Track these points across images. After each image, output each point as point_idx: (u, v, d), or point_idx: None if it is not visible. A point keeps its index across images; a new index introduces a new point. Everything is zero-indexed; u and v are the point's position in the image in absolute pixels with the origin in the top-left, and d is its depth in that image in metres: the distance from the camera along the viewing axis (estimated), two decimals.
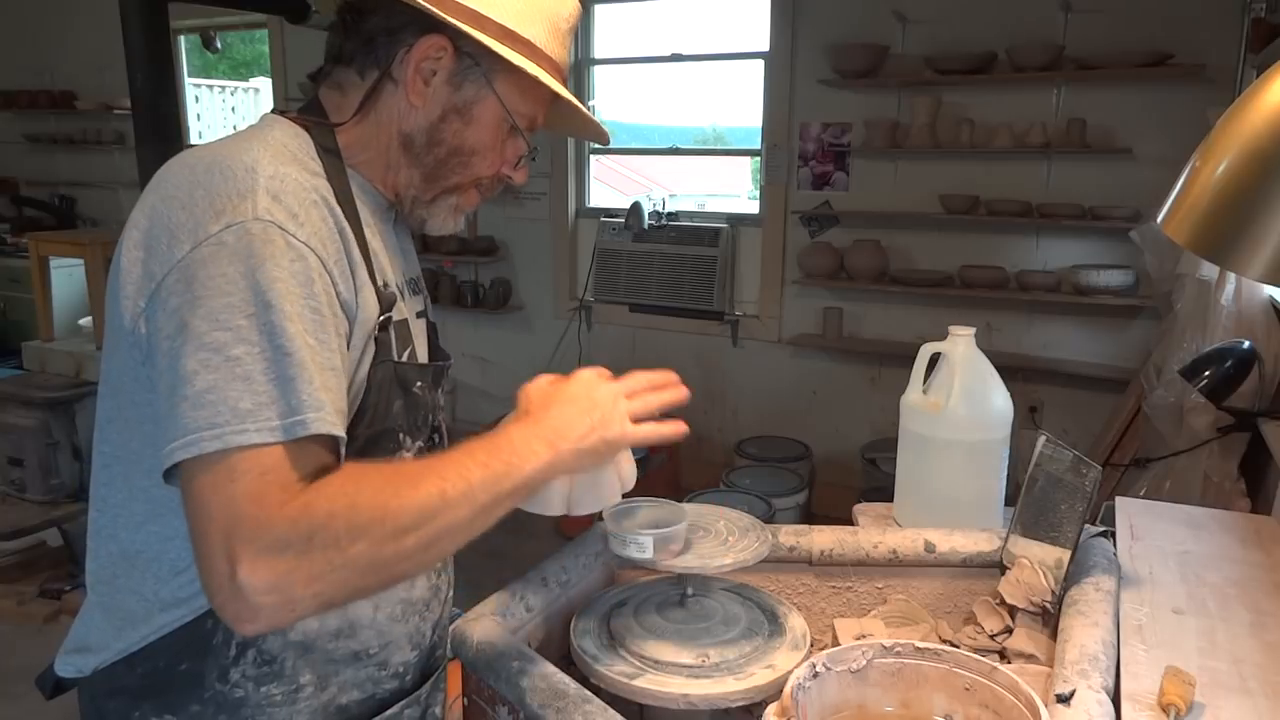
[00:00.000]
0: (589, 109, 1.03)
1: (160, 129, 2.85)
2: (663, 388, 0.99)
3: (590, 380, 0.95)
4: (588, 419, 0.90)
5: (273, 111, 0.96)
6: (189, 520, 0.76)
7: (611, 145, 4.95)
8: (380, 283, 0.93)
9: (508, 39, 0.92)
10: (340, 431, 0.80)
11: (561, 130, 1.09)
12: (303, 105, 0.98)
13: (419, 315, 1.04)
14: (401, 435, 0.95)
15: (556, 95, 0.96)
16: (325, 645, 0.93)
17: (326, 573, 0.75)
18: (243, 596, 0.72)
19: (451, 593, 1.10)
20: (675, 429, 0.96)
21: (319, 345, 0.80)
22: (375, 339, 0.91)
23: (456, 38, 0.91)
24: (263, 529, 0.73)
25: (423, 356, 1.03)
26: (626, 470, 1.04)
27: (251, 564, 0.72)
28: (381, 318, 0.91)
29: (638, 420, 0.94)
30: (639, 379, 0.98)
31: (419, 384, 0.97)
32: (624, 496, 1.13)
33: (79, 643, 0.94)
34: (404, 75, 0.92)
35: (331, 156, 0.93)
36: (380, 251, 0.95)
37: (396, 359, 0.94)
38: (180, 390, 0.75)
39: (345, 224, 0.88)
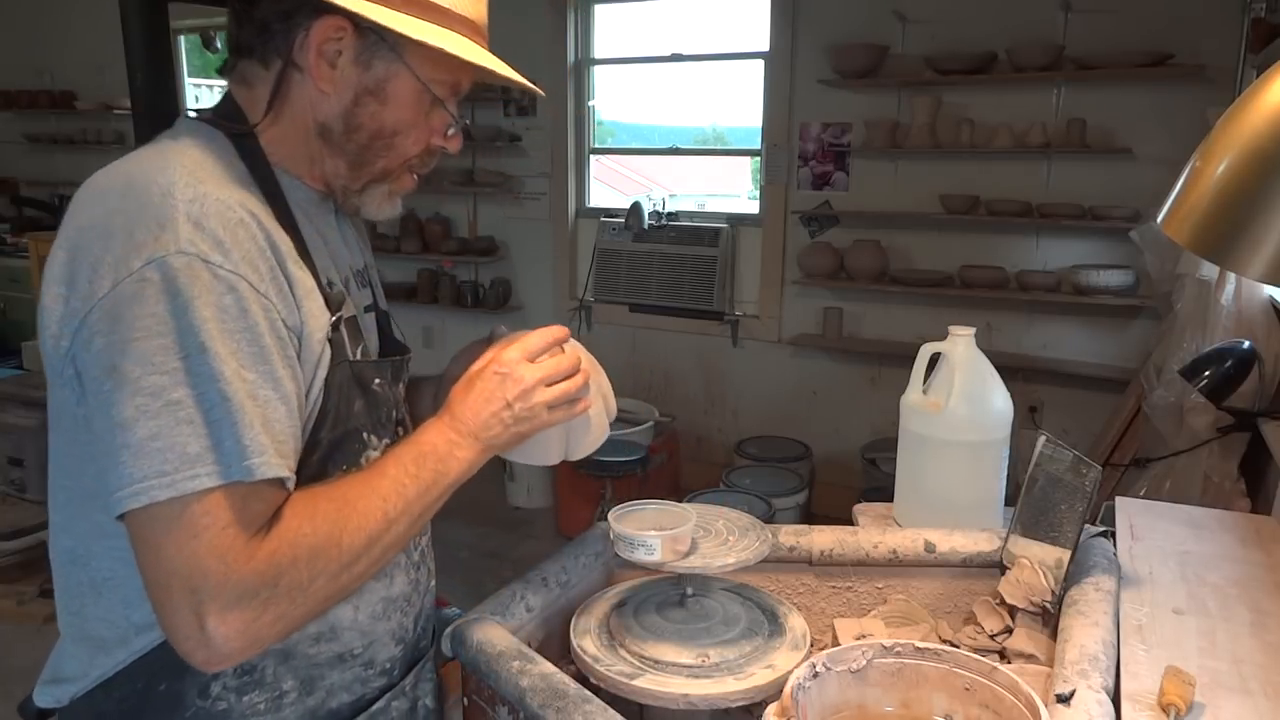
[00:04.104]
0: (524, 78, 0.94)
1: (160, 129, 2.83)
2: (571, 370, 0.98)
3: (510, 374, 0.94)
4: (509, 412, 0.93)
5: (188, 115, 0.92)
6: (143, 569, 0.76)
7: (611, 145, 4.98)
8: (325, 282, 0.90)
9: (412, 6, 0.86)
10: (285, 472, 0.79)
11: (499, 80, 0.96)
12: (217, 104, 0.93)
13: (367, 309, 1.02)
14: (366, 435, 0.94)
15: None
16: (306, 650, 0.92)
17: (290, 610, 0.78)
18: (211, 645, 0.75)
19: (433, 583, 1.10)
20: (584, 403, 0.99)
21: (259, 379, 0.78)
22: (329, 340, 0.88)
23: (354, 14, 0.85)
24: (230, 583, 0.74)
25: (374, 351, 1.01)
26: (613, 404, 1.07)
27: (220, 616, 0.74)
28: (333, 319, 0.89)
29: (554, 406, 0.96)
30: (556, 367, 0.96)
31: (378, 381, 0.96)
32: (626, 501, 1.15)
33: (54, 674, 0.92)
34: (307, 61, 0.87)
35: (255, 157, 0.89)
36: (321, 249, 0.93)
37: (352, 358, 0.92)
38: (119, 438, 0.73)
39: (277, 237, 0.84)
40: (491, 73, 0.92)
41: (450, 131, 0.96)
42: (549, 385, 0.95)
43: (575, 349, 1.00)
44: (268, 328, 0.79)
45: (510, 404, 0.93)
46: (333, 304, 0.90)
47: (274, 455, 0.77)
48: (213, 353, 0.75)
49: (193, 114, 0.92)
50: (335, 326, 0.89)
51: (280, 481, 0.79)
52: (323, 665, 0.94)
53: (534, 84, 0.96)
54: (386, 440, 0.98)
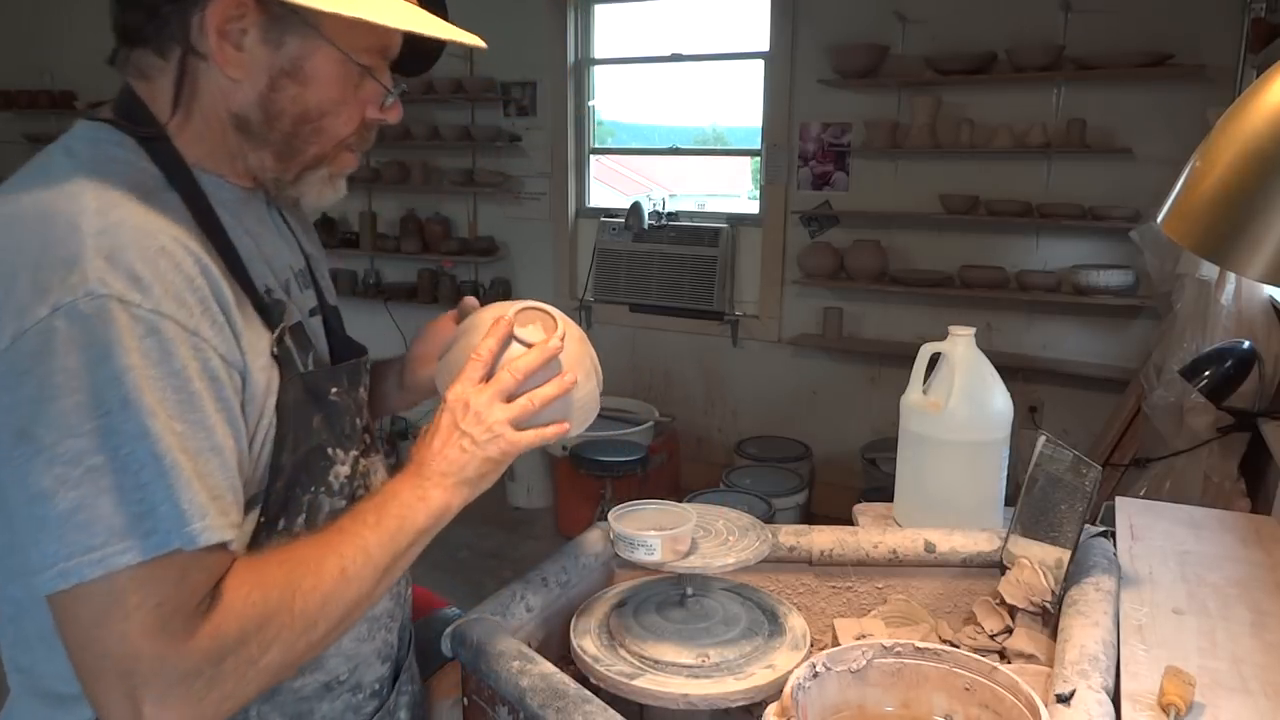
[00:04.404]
0: (453, 30, 0.82)
1: None
2: (542, 370, 0.88)
3: (458, 402, 0.86)
4: (466, 439, 0.85)
5: (86, 118, 0.80)
6: (71, 651, 0.68)
7: (611, 145, 4.97)
8: (263, 290, 0.82)
9: None
10: (228, 534, 0.71)
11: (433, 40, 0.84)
12: (116, 101, 0.81)
13: (312, 313, 0.92)
14: (331, 450, 0.87)
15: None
16: (291, 684, 0.87)
17: (239, 688, 0.71)
18: None
19: (409, 590, 1.06)
20: (557, 429, 0.90)
21: (190, 430, 0.69)
22: (275, 356, 0.80)
23: None
24: (168, 665, 0.67)
25: (325, 356, 0.92)
26: (600, 375, 1.00)
27: (159, 702, 0.67)
28: (276, 334, 0.81)
29: (521, 425, 0.87)
30: (510, 377, 0.87)
31: (335, 390, 0.88)
32: (626, 501, 1.15)
33: None
34: (208, 46, 0.76)
35: (169, 160, 0.78)
36: (255, 255, 0.84)
37: (303, 369, 0.84)
38: (39, 511, 0.65)
39: (207, 259, 0.74)
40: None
41: (387, 102, 0.85)
42: (508, 401, 0.86)
43: (539, 351, 0.89)
44: (198, 369, 0.71)
45: (465, 431, 0.85)
46: (273, 317, 0.81)
47: (215, 516, 0.69)
48: (137, 406, 0.66)
49: (92, 116, 0.80)
50: (280, 339, 0.81)
51: (223, 545, 0.71)
52: (310, 698, 0.88)
53: (474, 35, 0.84)
54: (354, 452, 0.91)
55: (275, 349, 0.80)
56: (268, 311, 0.81)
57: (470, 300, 1.02)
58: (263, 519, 0.81)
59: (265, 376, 0.79)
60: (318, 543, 0.78)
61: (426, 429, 0.88)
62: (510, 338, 0.90)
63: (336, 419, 0.88)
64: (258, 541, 0.80)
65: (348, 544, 0.78)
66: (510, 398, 0.87)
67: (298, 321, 0.87)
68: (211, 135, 0.81)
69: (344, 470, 0.89)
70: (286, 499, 0.83)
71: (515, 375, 0.87)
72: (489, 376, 0.88)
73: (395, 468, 0.87)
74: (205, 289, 0.73)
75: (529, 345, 0.90)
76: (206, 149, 0.81)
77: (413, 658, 1.07)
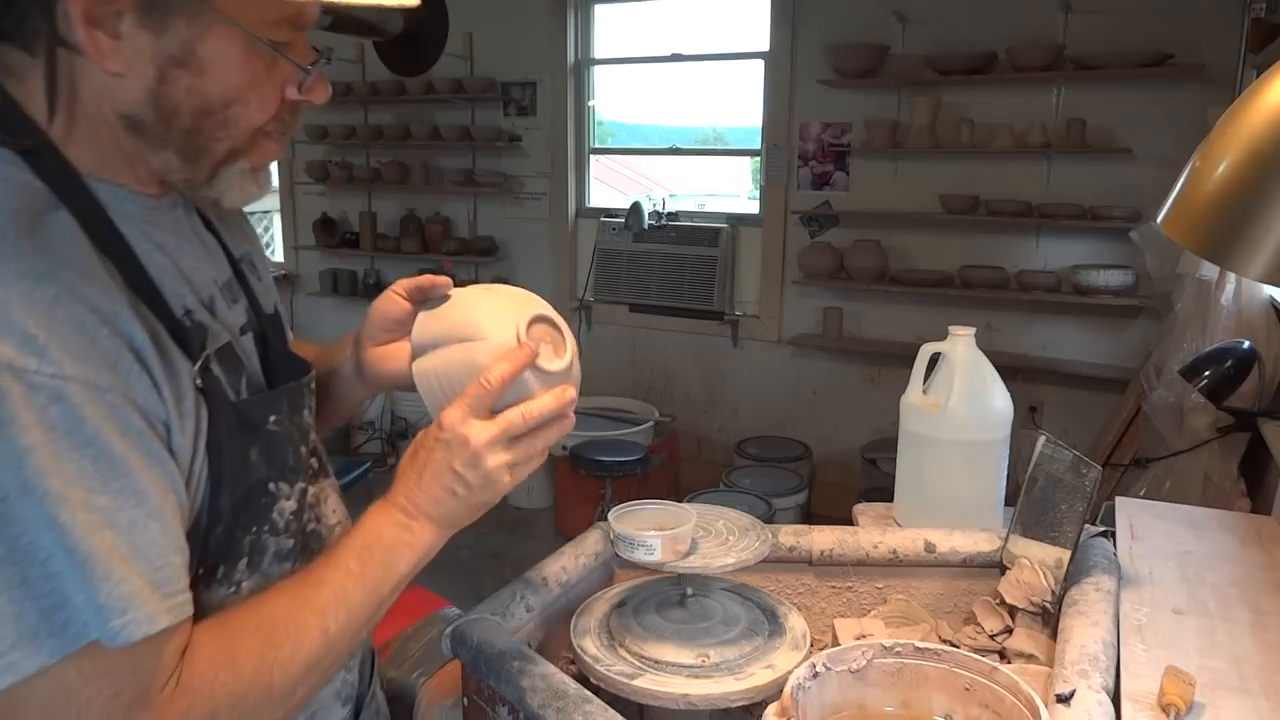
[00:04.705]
0: None
1: None
2: (552, 412, 0.79)
3: (455, 436, 0.76)
4: (459, 483, 0.76)
5: None
6: None
7: (611, 145, 4.97)
8: (182, 312, 0.72)
9: None
10: (164, 620, 0.63)
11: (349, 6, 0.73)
12: None
13: (243, 330, 0.82)
14: (272, 485, 0.78)
15: None
16: None
17: None
18: None
19: None
20: (538, 463, 0.82)
21: (117, 502, 0.61)
22: (200, 389, 0.70)
23: None
24: None
25: (259, 378, 0.82)
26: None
27: None
28: (197, 365, 0.70)
29: (517, 465, 0.78)
30: (523, 423, 0.77)
31: (273, 418, 0.78)
32: (625, 501, 1.14)
33: None
34: (78, 37, 0.64)
35: (57, 172, 0.67)
36: (169, 273, 0.73)
37: (235, 398, 0.75)
38: None
39: (113, 287, 0.64)
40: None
41: (306, 82, 0.73)
42: (509, 445, 0.77)
43: (556, 400, 0.80)
44: (117, 429, 0.62)
45: (459, 474, 0.76)
46: (193, 344, 0.71)
47: (148, 602, 0.61)
48: (42, 491, 0.58)
49: None
50: (204, 368, 0.71)
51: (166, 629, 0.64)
52: None
53: None
54: (300, 485, 0.83)
55: (199, 380, 0.70)
56: (188, 338, 0.71)
57: (442, 280, 0.90)
58: (200, 569, 0.73)
59: (193, 416, 0.69)
60: (294, 598, 0.72)
61: (415, 444, 0.80)
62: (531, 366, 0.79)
63: (276, 451, 0.79)
64: (196, 592, 0.71)
65: (328, 597, 0.72)
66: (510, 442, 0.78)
67: (226, 343, 0.77)
68: (102, 140, 0.70)
69: (289, 505, 0.81)
70: (227, 544, 0.75)
71: (528, 421, 0.77)
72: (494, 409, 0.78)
73: (393, 469, 0.81)
74: (112, 336, 0.63)
75: (541, 371, 0.82)
76: (100, 156, 0.70)
77: (377, 687, 1.01)
